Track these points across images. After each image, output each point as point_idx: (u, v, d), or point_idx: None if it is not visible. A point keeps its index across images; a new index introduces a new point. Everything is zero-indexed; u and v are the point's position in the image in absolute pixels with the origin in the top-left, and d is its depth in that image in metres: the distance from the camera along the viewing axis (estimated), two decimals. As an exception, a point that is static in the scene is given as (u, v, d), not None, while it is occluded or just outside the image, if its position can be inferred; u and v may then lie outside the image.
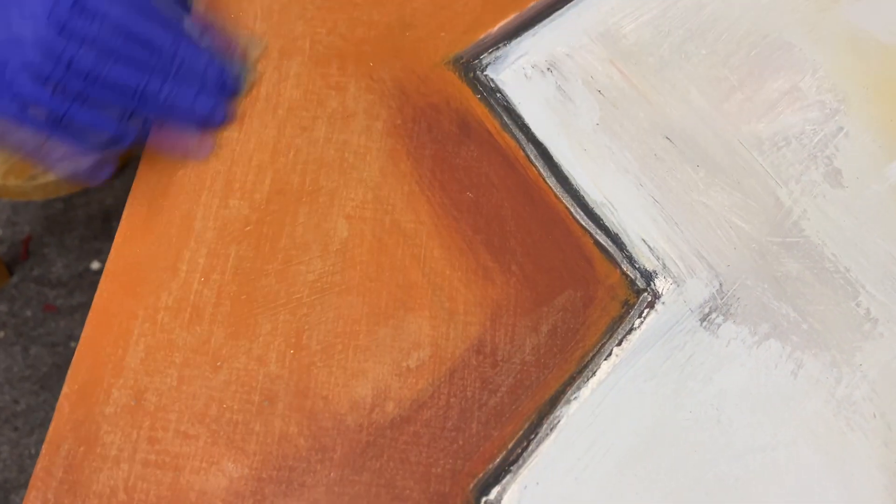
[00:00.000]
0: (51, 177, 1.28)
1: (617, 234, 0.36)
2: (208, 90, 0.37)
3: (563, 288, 0.34)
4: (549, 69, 0.40)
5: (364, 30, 0.42)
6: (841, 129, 0.38)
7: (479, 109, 0.39)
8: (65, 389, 0.33)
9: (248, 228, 0.36)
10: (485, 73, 0.40)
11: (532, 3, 0.42)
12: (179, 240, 0.36)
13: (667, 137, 0.38)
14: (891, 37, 0.41)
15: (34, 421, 1.14)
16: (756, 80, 0.40)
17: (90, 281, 1.20)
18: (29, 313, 1.24)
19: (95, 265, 1.19)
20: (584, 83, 0.40)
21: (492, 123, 0.39)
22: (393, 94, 0.40)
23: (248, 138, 0.39)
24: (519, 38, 0.41)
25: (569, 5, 0.42)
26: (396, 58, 0.41)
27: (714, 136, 0.38)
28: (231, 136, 0.39)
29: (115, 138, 0.35)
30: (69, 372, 0.33)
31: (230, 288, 0.35)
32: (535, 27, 0.42)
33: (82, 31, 0.33)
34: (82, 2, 0.32)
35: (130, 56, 0.34)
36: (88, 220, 1.38)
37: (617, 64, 0.40)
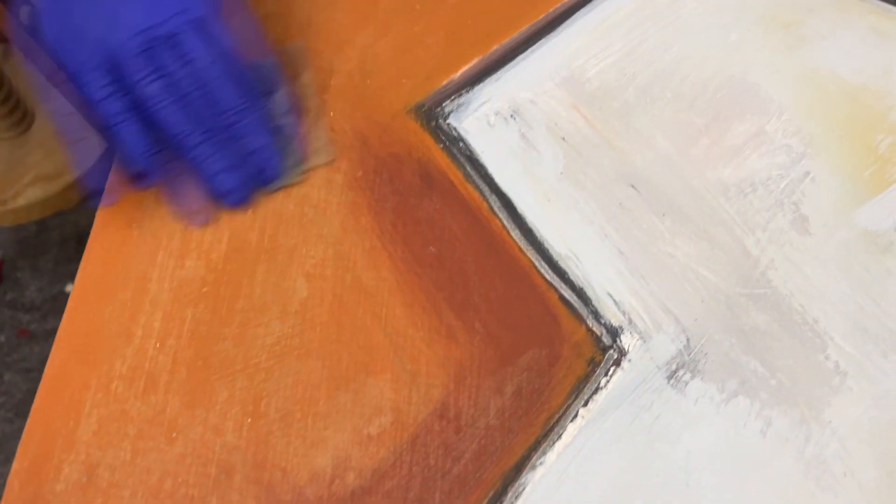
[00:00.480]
0: (21, 202, 1.26)
1: (582, 289, 0.35)
2: (240, 172, 0.36)
3: (527, 346, 0.34)
4: (512, 116, 0.39)
5: (324, 78, 0.41)
6: (808, 173, 0.38)
7: (442, 159, 0.38)
8: (14, 466, 0.32)
9: (205, 290, 0.35)
10: (447, 121, 0.39)
11: (495, 47, 0.42)
12: (134, 303, 0.35)
13: (632, 185, 0.37)
14: (856, 76, 0.40)
15: (9, 449, 1.12)
16: (722, 124, 0.39)
17: (65, 304, 1.18)
18: (2, 339, 1.22)
19: (70, 288, 1.16)
20: (547, 130, 0.39)
21: (455, 174, 0.38)
22: (354, 144, 0.39)
23: (205, 194, 0.38)
24: (482, 84, 0.41)
25: (532, 48, 0.42)
26: (357, 107, 0.40)
27: (680, 183, 0.37)
28: (187, 191, 0.38)
29: (140, 174, 0.36)
30: (19, 447, 0.32)
31: (186, 353, 0.34)
32: (498, 72, 0.41)
33: (161, 61, 0.33)
34: (176, 39, 0.33)
35: (190, 104, 0.34)
36: (62, 242, 1.37)
37: (581, 109, 0.40)
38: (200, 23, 0.34)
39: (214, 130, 0.35)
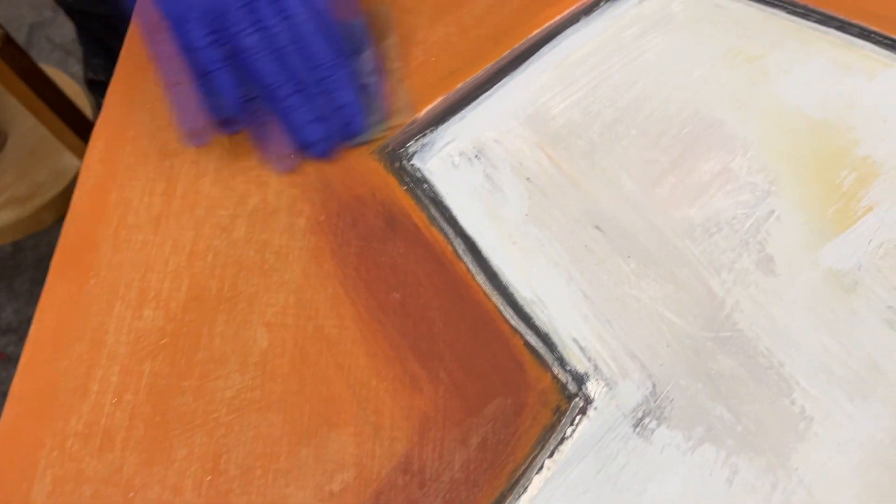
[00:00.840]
0: (-6, 225, 1.24)
1: (547, 334, 0.35)
2: (327, 124, 0.38)
3: (493, 395, 0.33)
4: (476, 156, 0.39)
5: (286, 118, 0.40)
6: (772, 212, 0.37)
7: (406, 201, 0.38)
8: (-35, 531, 0.31)
9: (164, 341, 0.34)
10: (411, 162, 0.39)
11: (459, 85, 0.41)
12: (91, 357, 0.34)
13: (597, 227, 0.37)
14: (820, 111, 0.40)
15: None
16: (687, 162, 0.39)
17: (41, 327, 1.16)
18: (-21, 362, 1.20)
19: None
20: (512, 170, 0.39)
21: (419, 216, 0.38)
22: (316, 187, 0.38)
23: (165, 241, 0.37)
24: (446, 124, 0.40)
25: (496, 86, 0.41)
26: (320, 148, 0.39)
27: (645, 223, 0.37)
28: (147, 239, 0.37)
29: (229, 120, 0.38)
30: (-30, 511, 0.31)
31: (144, 409, 0.33)
32: (463, 111, 0.41)
33: (263, 15, 0.36)
34: None
35: (286, 57, 0.36)
36: (38, 262, 1.35)
37: (546, 148, 0.39)
38: None
39: (305, 83, 0.37)
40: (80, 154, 1.21)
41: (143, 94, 0.41)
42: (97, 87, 1.16)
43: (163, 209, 0.38)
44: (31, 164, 1.23)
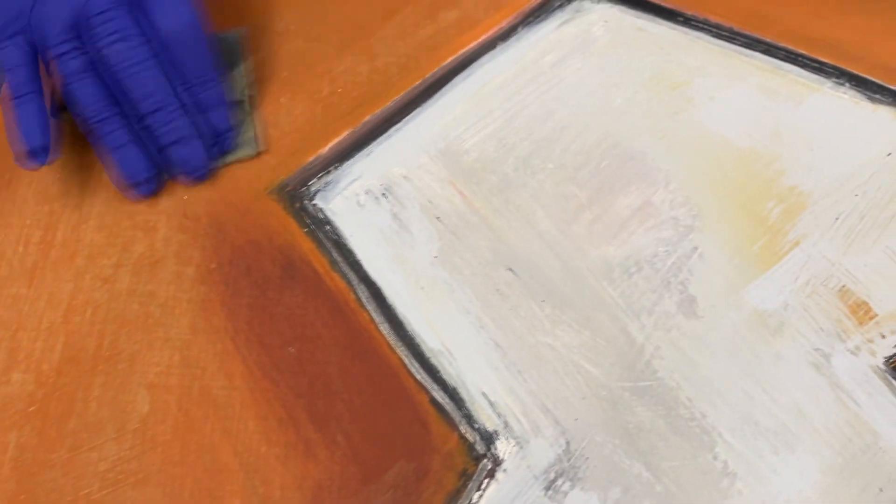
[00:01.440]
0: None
1: (455, 389, 0.32)
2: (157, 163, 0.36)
3: (394, 460, 0.31)
4: (384, 195, 0.37)
5: (179, 156, 0.37)
6: (695, 249, 0.35)
7: (306, 245, 0.35)
8: None
9: (33, 409, 0.31)
10: (313, 202, 0.36)
11: (367, 118, 0.39)
12: (-51, 428, 0.31)
13: (510, 269, 0.35)
14: (745, 139, 0.39)
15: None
16: (606, 197, 0.37)
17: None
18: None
19: None
20: (422, 209, 0.36)
21: (320, 261, 0.35)
22: (208, 232, 0.36)
23: (39, 295, 0.34)
24: (352, 160, 0.38)
25: (407, 118, 0.39)
26: (213, 189, 0.37)
27: (560, 264, 0.35)
28: (19, 293, 0.34)
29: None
30: None
31: (7, 486, 0.30)
32: (370, 145, 0.38)
33: (96, 34, 0.33)
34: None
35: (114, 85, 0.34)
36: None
37: (457, 185, 0.37)
38: None
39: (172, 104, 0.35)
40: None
41: (23, 132, 0.38)
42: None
43: (39, 259, 0.35)
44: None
